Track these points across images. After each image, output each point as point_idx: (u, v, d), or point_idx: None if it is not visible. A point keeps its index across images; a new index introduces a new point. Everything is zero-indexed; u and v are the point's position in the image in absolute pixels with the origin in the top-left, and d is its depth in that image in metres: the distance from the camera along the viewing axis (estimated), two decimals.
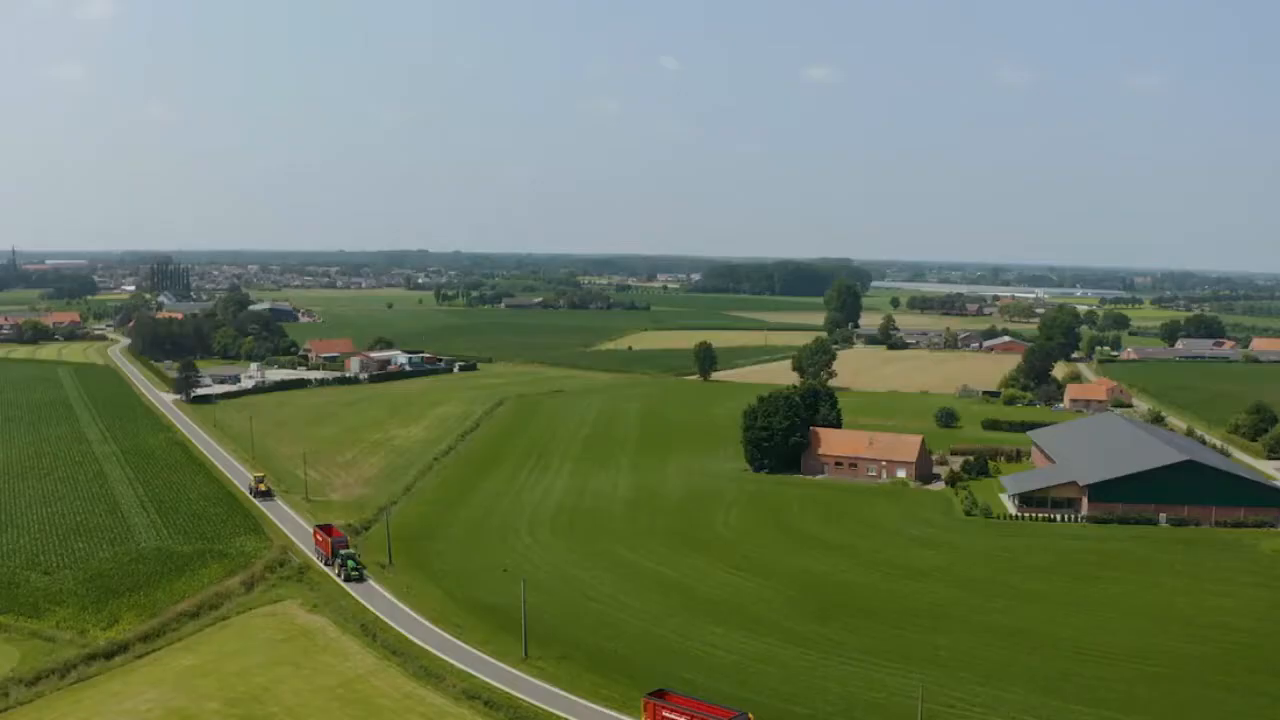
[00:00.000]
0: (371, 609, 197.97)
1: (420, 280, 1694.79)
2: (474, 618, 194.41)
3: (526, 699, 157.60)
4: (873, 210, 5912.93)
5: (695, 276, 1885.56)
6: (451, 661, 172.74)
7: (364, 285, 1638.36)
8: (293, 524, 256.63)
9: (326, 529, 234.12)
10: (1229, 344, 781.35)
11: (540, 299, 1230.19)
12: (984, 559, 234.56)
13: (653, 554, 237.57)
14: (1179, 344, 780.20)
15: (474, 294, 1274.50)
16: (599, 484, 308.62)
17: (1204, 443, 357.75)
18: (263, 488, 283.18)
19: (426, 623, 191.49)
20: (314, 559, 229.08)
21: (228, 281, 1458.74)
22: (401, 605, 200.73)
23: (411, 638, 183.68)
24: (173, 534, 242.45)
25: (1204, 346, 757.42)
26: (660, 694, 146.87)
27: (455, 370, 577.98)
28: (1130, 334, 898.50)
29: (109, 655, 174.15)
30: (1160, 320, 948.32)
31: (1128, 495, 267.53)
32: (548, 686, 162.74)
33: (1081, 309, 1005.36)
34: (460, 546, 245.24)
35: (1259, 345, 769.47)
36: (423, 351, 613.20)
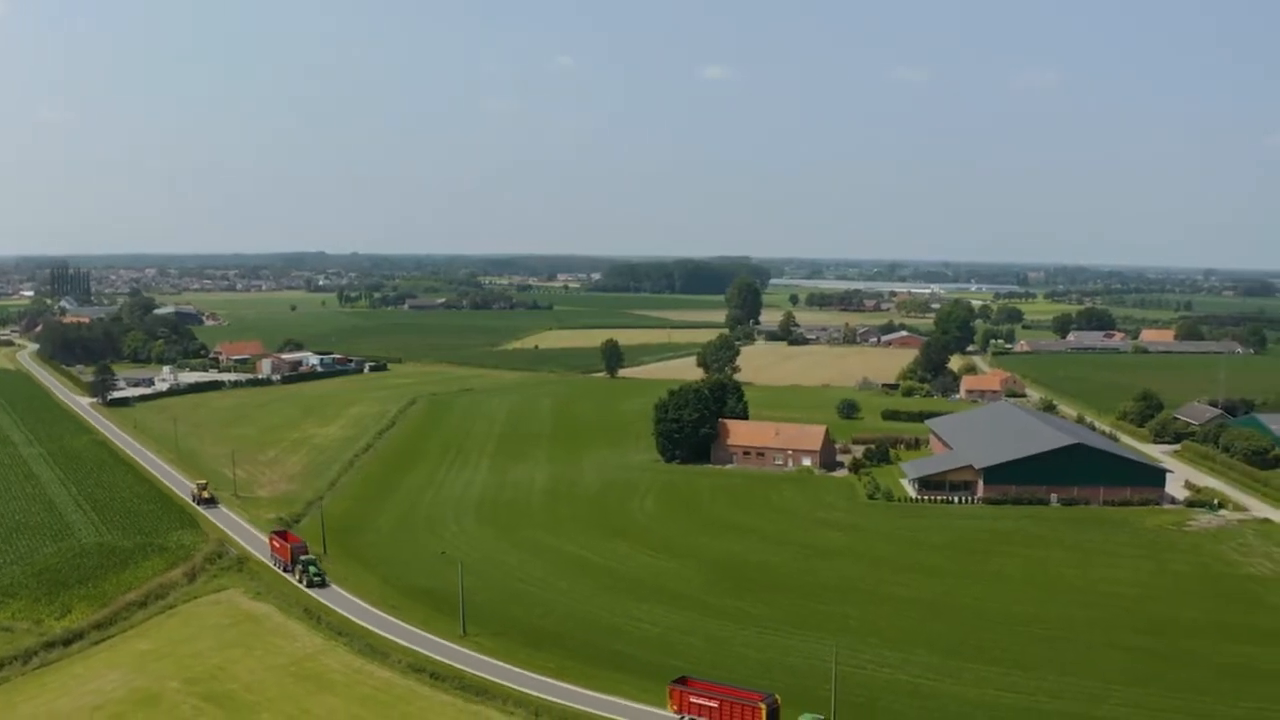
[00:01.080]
0: (312, 594, 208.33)
1: (320, 282, 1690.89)
2: (410, 600, 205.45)
3: (469, 670, 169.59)
4: (770, 208, 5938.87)
5: (595, 276, 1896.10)
6: (395, 639, 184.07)
7: (264, 288, 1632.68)
8: (226, 519, 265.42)
9: (283, 535, 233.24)
10: (1119, 336, 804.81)
11: (443, 300, 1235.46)
12: (887, 538, 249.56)
13: (575, 540, 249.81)
14: (1070, 336, 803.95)
15: (376, 295, 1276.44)
16: (517, 477, 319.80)
17: (1093, 429, 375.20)
18: (206, 495, 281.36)
19: (366, 605, 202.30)
20: (260, 558, 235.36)
21: (126, 286, 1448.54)
22: (341, 590, 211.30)
23: (354, 619, 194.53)
24: (111, 530, 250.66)
25: (1095, 338, 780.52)
26: (682, 680, 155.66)
27: (366, 370, 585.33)
28: (1024, 327, 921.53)
29: (66, 642, 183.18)
30: (1053, 314, 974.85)
31: (1020, 477, 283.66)
32: (487, 659, 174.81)
33: (976, 303, 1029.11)
34: (389, 537, 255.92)
35: (1148, 336, 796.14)
36: (333, 353, 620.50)
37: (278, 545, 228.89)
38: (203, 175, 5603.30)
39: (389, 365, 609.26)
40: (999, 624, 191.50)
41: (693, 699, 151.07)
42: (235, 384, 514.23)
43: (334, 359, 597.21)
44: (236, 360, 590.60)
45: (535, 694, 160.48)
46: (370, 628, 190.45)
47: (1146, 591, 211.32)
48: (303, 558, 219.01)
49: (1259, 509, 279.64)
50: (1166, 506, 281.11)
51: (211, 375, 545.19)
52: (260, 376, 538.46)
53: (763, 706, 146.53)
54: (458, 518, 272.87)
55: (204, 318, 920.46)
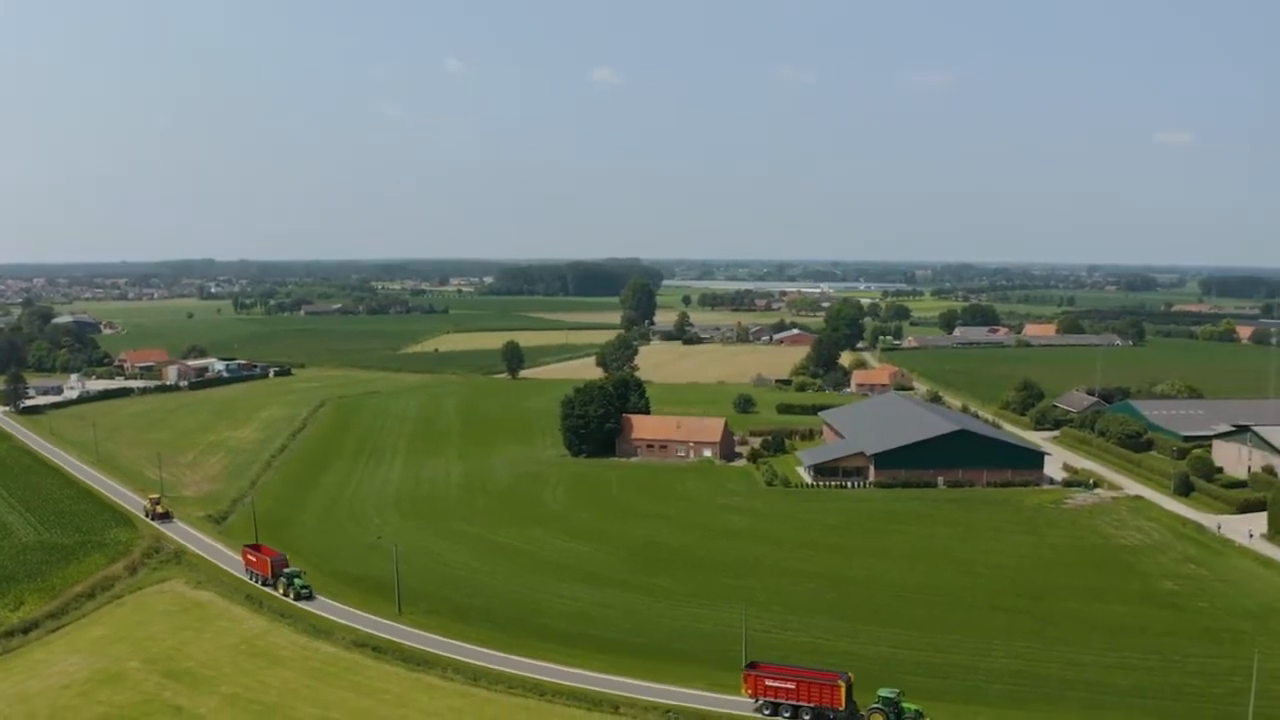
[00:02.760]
0: (251, 582, 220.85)
1: (213, 290, 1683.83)
2: (344, 586, 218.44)
3: (409, 643, 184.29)
4: (660, 209, 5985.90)
5: (488, 279, 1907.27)
6: (336, 619, 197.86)
7: (157, 296, 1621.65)
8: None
9: (256, 548, 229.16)
10: (1003, 330, 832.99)
11: (339, 305, 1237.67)
12: (786, 520, 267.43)
13: (493, 528, 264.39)
14: (956, 332, 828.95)
15: (271, 302, 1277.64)
16: (432, 472, 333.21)
17: (977, 417, 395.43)
18: (160, 510, 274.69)
19: None
20: (196, 552, 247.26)
21: (17, 295, 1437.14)
22: None
23: (294, 603, 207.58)
24: (48, 529, 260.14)
25: (979, 334, 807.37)
26: (753, 665, 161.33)
27: (271, 376, 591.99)
28: (911, 324, 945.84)
29: (25, 631, 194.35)
30: (939, 310, 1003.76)
31: (909, 462, 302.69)
32: (424, 633, 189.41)
33: (865, 302, 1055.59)
34: (316, 530, 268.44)
35: (1031, 331, 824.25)
36: (237, 359, 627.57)
37: (254, 559, 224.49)
38: (85, 182, 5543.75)
39: (293, 370, 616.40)
40: (891, 592, 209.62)
41: (769, 682, 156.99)
42: (144, 391, 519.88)
43: (239, 365, 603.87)
44: (142, 368, 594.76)
45: (472, 661, 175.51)
46: (311, 609, 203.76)
47: (1027, 562, 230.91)
48: (286, 571, 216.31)
49: (1132, 487, 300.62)
50: (1045, 487, 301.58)
51: (119, 383, 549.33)
52: (168, 383, 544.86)
53: (842, 684, 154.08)
54: (379, 511, 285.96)
55: (102, 326, 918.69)
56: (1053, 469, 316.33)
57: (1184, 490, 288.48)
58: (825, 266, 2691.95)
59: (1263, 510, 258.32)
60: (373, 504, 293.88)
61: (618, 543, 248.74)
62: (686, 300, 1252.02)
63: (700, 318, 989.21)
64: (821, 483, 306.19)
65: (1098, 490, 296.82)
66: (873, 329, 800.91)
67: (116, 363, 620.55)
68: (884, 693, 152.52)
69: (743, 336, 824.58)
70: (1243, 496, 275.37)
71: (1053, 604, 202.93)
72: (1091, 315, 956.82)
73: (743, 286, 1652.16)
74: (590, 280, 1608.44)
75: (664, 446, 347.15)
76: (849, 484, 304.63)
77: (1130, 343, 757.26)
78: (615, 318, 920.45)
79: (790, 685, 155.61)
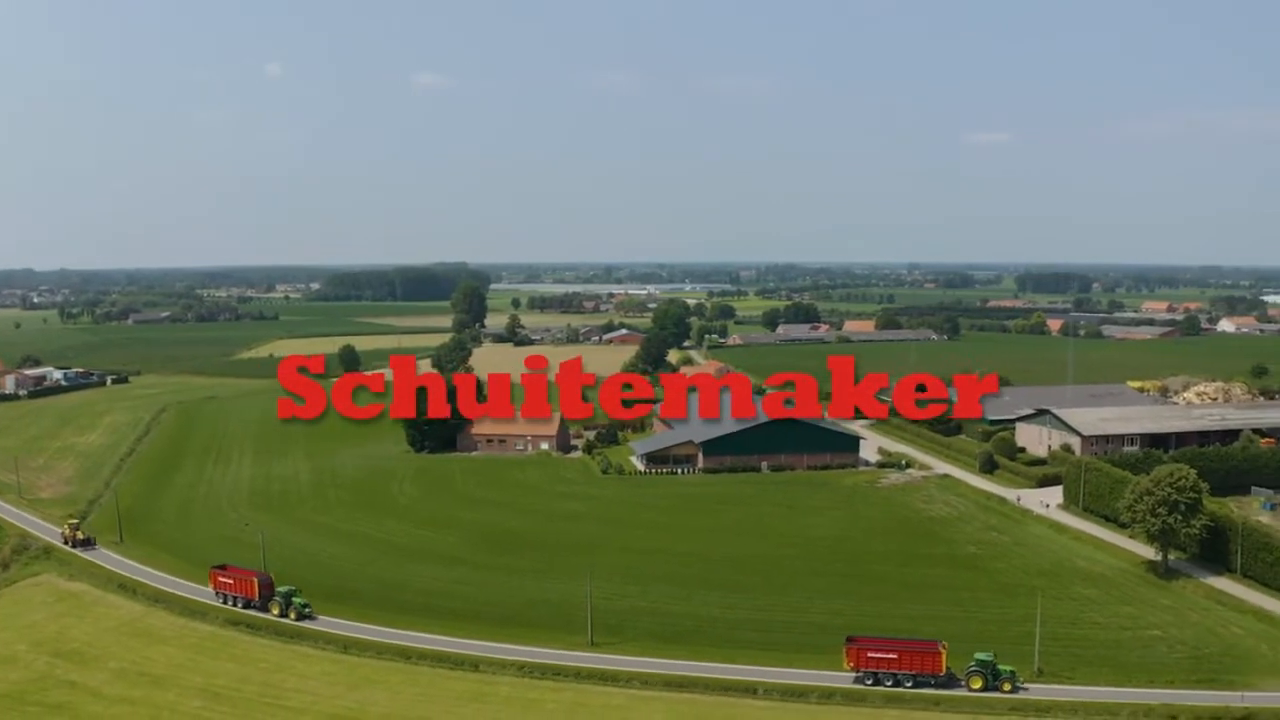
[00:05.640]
0: (122, 573, 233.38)
1: (35, 300, 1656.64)
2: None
3: (281, 620, 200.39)
4: (485, 213, 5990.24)
5: (315, 285, 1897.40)
6: (209, 603, 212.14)
7: None
8: (20, 518, 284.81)
9: (224, 568, 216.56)
10: (824, 327, 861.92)
11: (167, 314, 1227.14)
12: (621, 504, 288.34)
13: (347, 519, 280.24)
14: (779, 329, 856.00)
15: (98, 311, 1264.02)
16: (281, 470, 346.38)
17: None
18: (81, 535, 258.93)
19: (175, 578, 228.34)
20: (66, 550, 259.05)
21: None
22: (147, 568, 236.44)
23: (166, 589, 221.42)
24: None
25: (802, 330, 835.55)
26: (853, 639, 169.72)
27: (109, 383, 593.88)
28: (736, 323, 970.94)
29: None
30: (763, 309, 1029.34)
31: (735, 449, 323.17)
32: None
33: (691, 302, 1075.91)
34: (176, 525, 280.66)
35: (851, 327, 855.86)
36: (73, 367, 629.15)
37: (229, 581, 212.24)
38: None
39: (129, 378, 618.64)
40: (720, 563, 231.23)
41: (870, 654, 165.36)
42: None
43: (76, 373, 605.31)
44: None
45: (341, 633, 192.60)
46: (183, 595, 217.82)
47: (844, 533, 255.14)
48: (281, 590, 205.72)
49: (941, 467, 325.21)
50: (862, 469, 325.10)
51: None
52: (6, 392, 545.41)
53: (942, 651, 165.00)
54: (234, 506, 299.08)
55: None
56: (869, 452, 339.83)
57: (989, 468, 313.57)
58: (651, 269, 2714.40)
59: (1059, 484, 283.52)
60: (227, 500, 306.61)
61: (466, 528, 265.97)
62: (516, 303, 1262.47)
63: (530, 320, 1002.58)
64: (654, 470, 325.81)
65: (910, 470, 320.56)
66: (699, 328, 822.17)
67: None
68: (980, 655, 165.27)
69: (573, 337, 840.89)
70: (1042, 472, 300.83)
71: (866, 568, 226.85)
72: (909, 312, 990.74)
73: (571, 289, 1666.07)
74: (418, 285, 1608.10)
75: (503, 441, 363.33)
76: (679, 471, 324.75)
77: (945, 337, 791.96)
78: (446, 321, 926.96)
79: (893, 655, 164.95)
